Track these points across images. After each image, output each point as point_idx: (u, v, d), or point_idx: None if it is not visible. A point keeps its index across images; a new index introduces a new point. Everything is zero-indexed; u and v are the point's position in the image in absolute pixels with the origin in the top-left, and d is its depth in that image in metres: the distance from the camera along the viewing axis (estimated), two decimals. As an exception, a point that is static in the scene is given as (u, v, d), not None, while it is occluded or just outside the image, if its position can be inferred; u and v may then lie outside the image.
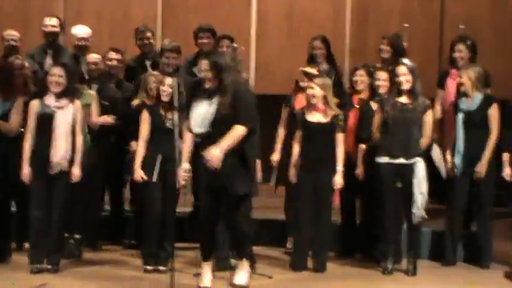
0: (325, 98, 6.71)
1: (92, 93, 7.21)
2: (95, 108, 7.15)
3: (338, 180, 6.67)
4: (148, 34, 8.22)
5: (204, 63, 5.81)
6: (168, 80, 6.59)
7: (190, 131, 5.88)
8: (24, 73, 7.07)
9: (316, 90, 6.69)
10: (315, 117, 6.72)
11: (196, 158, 5.87)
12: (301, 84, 7.14)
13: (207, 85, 5.78)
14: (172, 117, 6.25)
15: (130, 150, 7.03)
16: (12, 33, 8.09)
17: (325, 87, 6.72)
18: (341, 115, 6.75)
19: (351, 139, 7.04)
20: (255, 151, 6.07)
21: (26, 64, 7.21)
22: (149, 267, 6.58)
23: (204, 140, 5.77)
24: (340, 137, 6.72)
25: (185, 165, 5.92)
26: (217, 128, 5.71)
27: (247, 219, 6.18)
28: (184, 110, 5.93)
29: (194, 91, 5.91)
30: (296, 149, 6.77)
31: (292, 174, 6.79)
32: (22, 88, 6.90)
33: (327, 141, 6.69)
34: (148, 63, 8.04)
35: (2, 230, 6.82)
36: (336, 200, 6.94)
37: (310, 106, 6.74)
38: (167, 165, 6.41)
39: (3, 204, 6.81)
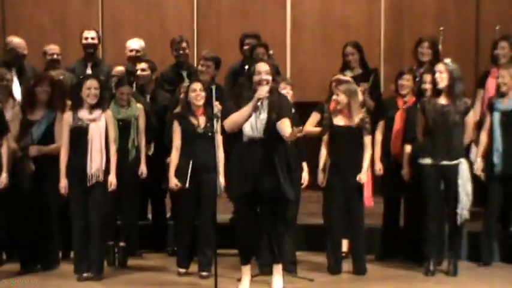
0: (349, 105, 6.70)
1: (139, 106, 7.22)
2: (142, 123, 7.18)
3: (363, 177, 6.65)
4: (184, 44, 8.26)
5: (264, 65, 5.88)
6: (197, 85, 6.69)
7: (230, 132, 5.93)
8: (62, 88, 7.19)
9: (340, 97, 6.73)
10: (341, 121, 6.75)
11: (238, 161, 5.92)
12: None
13: (265, 89, 5.78)
14: (211, 124, 6.37)
15: (167, 161, 7.12)
16: (53, 48, 8.26)
17: (350, 94, 6.72)
18: (367, 118, 6.76)
19: (398, 141, 7.09)
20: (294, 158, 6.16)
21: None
22: (181, 270, 6.74)
23: (253, 144, 5.83)
24: (367, 140, 6.75)
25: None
26: (268, 132, 5.81)
27: (290, 224, 6.29)
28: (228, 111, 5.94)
29: (240, 92, 5.97)
30: (323, 152, 6.81)
31: (321, 178, 6.80)
32: (61, 103, 6.98)
33: (354, 145, 6.70)
34: (184, 73, 8.10)
35: (49, 240, 6.94)
36: (369, 201, 6.92)
37: (337, 111, 6.77)
38: (201, 173, 6.54)
39: (48, 216, 6.89)
